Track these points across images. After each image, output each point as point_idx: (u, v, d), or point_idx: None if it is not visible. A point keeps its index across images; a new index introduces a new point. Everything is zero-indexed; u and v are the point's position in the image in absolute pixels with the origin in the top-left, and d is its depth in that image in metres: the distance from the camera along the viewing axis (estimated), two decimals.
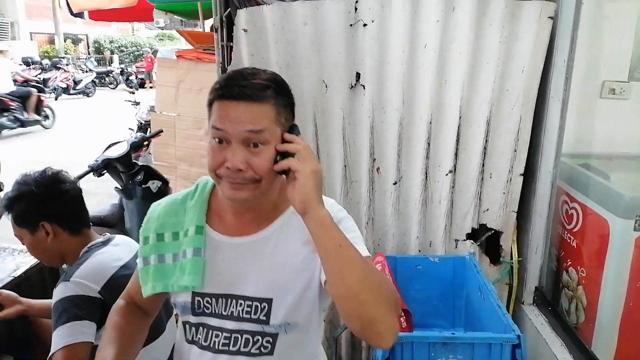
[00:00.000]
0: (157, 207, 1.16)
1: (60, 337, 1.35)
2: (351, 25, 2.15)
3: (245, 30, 2.19)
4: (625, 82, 2.28)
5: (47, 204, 1.51)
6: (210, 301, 1.06)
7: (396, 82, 2.20)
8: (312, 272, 1.03)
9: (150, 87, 15.72)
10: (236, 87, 0.93)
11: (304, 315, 1.06)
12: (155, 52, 19.58)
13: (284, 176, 0.97)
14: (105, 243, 1.62)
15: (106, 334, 1.12)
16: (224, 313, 1.06)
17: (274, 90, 0.96)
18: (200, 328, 1.08)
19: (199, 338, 1.09)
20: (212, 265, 1.06)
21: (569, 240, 2.26)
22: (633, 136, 2.26)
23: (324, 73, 2.23)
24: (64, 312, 1.37)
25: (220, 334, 1.06)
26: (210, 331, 1.07)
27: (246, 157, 0.94)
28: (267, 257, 1.05)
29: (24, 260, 2.05)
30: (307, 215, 0.92)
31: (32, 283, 2.03)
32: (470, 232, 2.32)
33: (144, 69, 18.62)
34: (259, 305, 1.04)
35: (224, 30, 2.28)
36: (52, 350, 1.34)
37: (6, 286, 1.85)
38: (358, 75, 2.23)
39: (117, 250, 1.61)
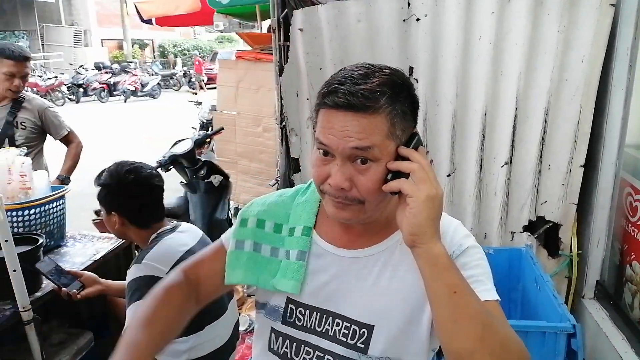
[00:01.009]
0: (265, 196, 1.07)
1: (133, 313, 1.49)
2: (404, 20, 2.19)
3: (301, 30, 2.30)
4: None
5: (118, 197, 1.66)
6: (304, 312, 0.95)
7: (450, 75, 2.23)
8: (424, 305, 0.87)
9: (201, 89, 16.19)
10: (343, 93, 0.78)
11: (409, 352, 0.90)
12: (215, 54, 20.39)
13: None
14: (173, 230, 1.76)
15: (144, 310, 0.97)
16: (317, 329, 0.93)
17: (389, 97, 0.79)
18: (288, 340, 0.96)
19: (285, 351, 0.97)
20: (312, 273, 0.95)
21: (632, 233, 2.18)
22: None
23: None
24: (137, 291, 1.51)
25: (311, 351, 0.94)
26: (302, 346, 0.95)
27: (351, 174, 0.82)
28: (373, 277, 0.91)
29: (102, 246, 2.25)
30: (417, 250, 0.79)
31: (109, 266, 2.23)
32: (527, 224, 2.30)
33: (204, 71, 19.36)
34: (357, 330, 0.90)
35: (281, 30, 2.39)
36: (127, 324, 1.50)
37: (86, 268, 2.04)
38: (411, 69, 2.28)
39: (184, 236, 1.75)
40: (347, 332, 0.91)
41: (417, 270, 0.83)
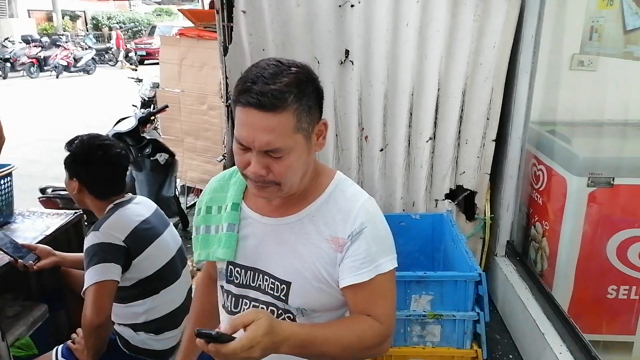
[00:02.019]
0: (211, 182, 1.23)
1: (91, 276, 1.61)
2: (340, 6, 2.38)
3: (244, 12, 2.42)
4: (593, 55, 2.51)
5: (82, 167, 1.74)
6: (240, 272, 1.12)
7: (381, 58, 2.44)
8: (330, 270, 1.05)
9: (112, 66, 15.37)
10: (255, 93, 0.89)
11: (321, 304, 1.08)
12: (153, 28, 19.60)
13: (314, 164, 1.05)
14: (128, 201, 1.87)
15: (192, 306, 1.35)
16: (251, 284, 1.11)
17: (295, 96, 0.91)
18: (229, 295, 1.15)
19: (229, 305, 1.15)
20: (243, 238, 1.11)
21: (536, 199, 2.53)
22: (595, 104, 2.51)
23: (315, 50, 2.46)
24: (94, 256, 1.63)
25: (248, 302, 1.11)
26: (240, 299, 1.13)
27: (267, 163, 0.94)
28: (290, 243, 1.07)
29: (52, 222, 2.31)
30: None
31: (60, 242, 2.30)
32: (448, 192, 2.60)
33: (142, 46, 18.63)
34: (279, 285, 1.07)
35: (225, 11, 2.50)
36: (85, 286, 1.61)
37: (39, 242, 2.11)
38: (347, 52, 2.47)
39: (139, 207, 1.87)
40: (273, 286, 1.08)
41: (325, 240, 1.04)
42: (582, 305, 2.23)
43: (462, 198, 2.62)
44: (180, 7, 5.82)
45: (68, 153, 1.76)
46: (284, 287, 1.07)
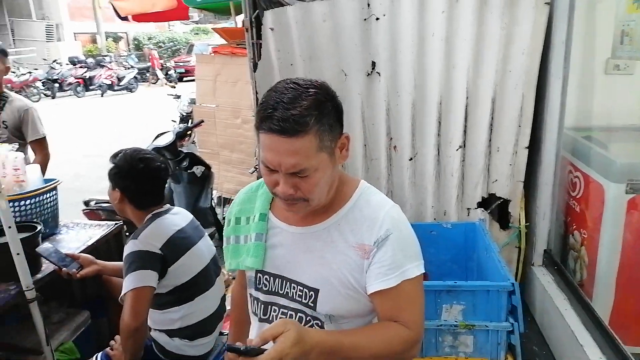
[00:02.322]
0: (240, 194, 1.27)
1: (130, 282, 1.69)
2: (365, 19, 2.41)
3: (272, 29, 2.50)
4: (625, 59, 2.43)
5: (125, 179, 1.84)
6: (269, 279, 1.15)
7: (408, 68, 2.46)
8: (357, 277, 1.07)
9: (152, 84, 16.32)
10: (277, 120, 0.93)
11: (349, 311, 1.10)
12: (191, 47, 20.26)
13: (339, 175, 1.10)
14: (166, 212, 1.95)
15: (231, 314, 1.42)
16: (280, 292, 1.14)
17: (315, 118, 0.95)
18: (258, 302, 1.19)
19: (258, 312, 1.19)
20: (272, 247, 1.15)
21: (573, 206, 2.46)
22: (633, 109, 2.43)
23: (342, 63, 2.50)
24: (133, 263, 1.72)
25: (277, 309, 1.15)
26: (269, 306, 1.17)
27: (295, 183, 0.99)
28: (317, 251, 1.10)
29: (94, 233, 2.43)
30: None
31: (101, 251, 2.41)
32: (480, 200, 2.57)
33: (181, 63, 19.25)
34: (307, 292, 1.10)
35: (254, 29, 2.59)
36: (123, 291, 1.69)
37: (82, 252, 2.22)
38: (374, 64, 2.50)
39: (176, 217, 1.95)
40: (301, 293, 1.11)
41: (351, 247, 1.07)
42: (625, 316, 2.14)
43: (496, 206, 2.58)
44: (214, 26, 6.02)
45: (112, 165, 1.87)
46: (312, 294, 1.10)
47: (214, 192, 4.32)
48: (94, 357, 1.89)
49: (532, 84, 2.38)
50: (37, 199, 2.29)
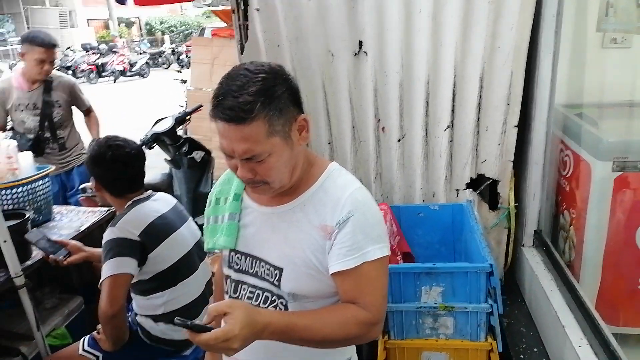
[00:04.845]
0: (222, 175, 1.29)
1: (107, 269, 1.73)
2: None
3: (257, 10, 2.47)
4: (627, 32, 2.34)
5: (96, 168, 1.87)
6: (240, 258, 1.19)
7: (395, 47, 2.41)
8: (320, 257, 1.09)
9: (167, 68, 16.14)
10: (224, 108, 0.96)
11: (313, 291, 1.12)
12: (202, 31, 20.17)
13: (307, 156, 1.12)
14: (147, 198, 1.97)
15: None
16: (249, 270, 1.17)
17: (262, 104, 0.96)
18: (230, 280, 1.22)
19: (230, 290, 1.22)
20: (244, 227, 1.18)
21: (564, 186, 2.42)
22: (628, 84, 2.35)
23: (329, 43, 2.47)
24: (110, 250, 1.75)
25: (246, 287, 1.18)
26: (239, 285, 1.20)
27: (251, 167, 1.02)
28: (283, 230, 1.12)
29: (87, 219, 2.48)
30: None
31: (94, 237, 2.46)
32: (469, 181, 2.53)
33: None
34: (273, 270, 1.13)
35: (240, 10, 2.56)
36: (101, 279, 1.73)
37: (73, 239, 2.26)
38: (360, 43, 2.46)
39: (156, 204, 1.97)
40: (268, 272, 1.14)
41: (314, 228, 1.08)
42: (611, 297, 2.11)
43: (484, 187, 2.54)
44: (214, 9, 5.97)
45: (87, 158, 1.89)
46: (277, 273, 1.13)
47: (215, 177, 4.34)
48: (81, 340, 1.94)
49: (522, 60, 2.32)
50: (30, 187, 2.34)
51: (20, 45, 3.13)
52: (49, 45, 3.01)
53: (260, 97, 0.96)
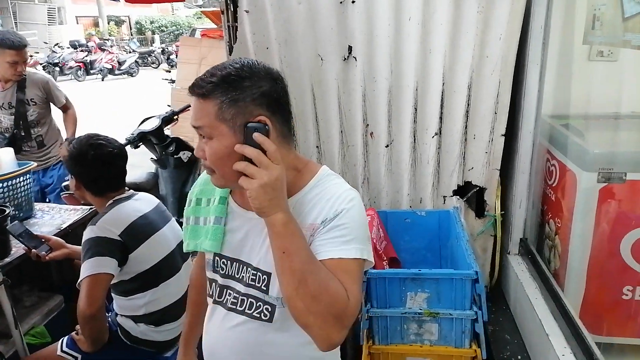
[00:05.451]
0: (203, 175, 1.27)
1: (86, 269, 1.69)
2: (341, 2, 2.37)
3: (247, 12, 2.46)
4: (612, 45, 2.38)
5: (77, 166, 1.82)
6: (226, 263, 1.17)
7: (384, 53, 2.42)
8: None
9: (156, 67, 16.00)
10: (193, 85, 1.02)
11: None
12: (193, 31, 20.12)
13: (295, 162, 1.10)
14: (128, 198, 1.94)
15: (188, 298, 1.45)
16: (236, 276, 1.15)
17: (221, 88, 0.99)
18: (215, 284, 1.20)
19: (214, 294, 1.20)
20: (230, 232, 1.16)
21: (549, 195, 2.44)
22: (614, 96, 2.38)
23: (318, 47, 2.47)
24: (90, 249, 1.71)
25: (231, 293, 1.16)
26: (224, 290, 1.18)
27: (202, 147, 1.03)
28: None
29: (69, 217, 2.43)
30: (263, 219, 0.99)
31: (76, 234, 2.42)
32: (456, 188, 2.54)
33: None
34: (260, 276, 1.11)
35: (229, 12, 2.55)
36: (80, 278, 1.69)
37: (55, 236, 2.22)
38: (350, 48, 2.46)
39: (138, 203, 1.93)
40: (254, 277, 1.12)
41: (303, 229, 1.03)
42: (596, 306, 2.13)
43: (471, 194, 2.55)
44: (205, 9, 5.95)
45: (65, 156, 1.85)
46: (264, 278, 1.11)
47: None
48: (60, 340, 1.90)
49: (509, 70, 2.34)
50: (11, 182, 2.30)
51: None
52: (20, 47, 2.96)
53: (223, 82, 0.99)
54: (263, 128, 0.98)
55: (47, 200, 3.25)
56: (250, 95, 1.00)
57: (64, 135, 3.43)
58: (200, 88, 1.00)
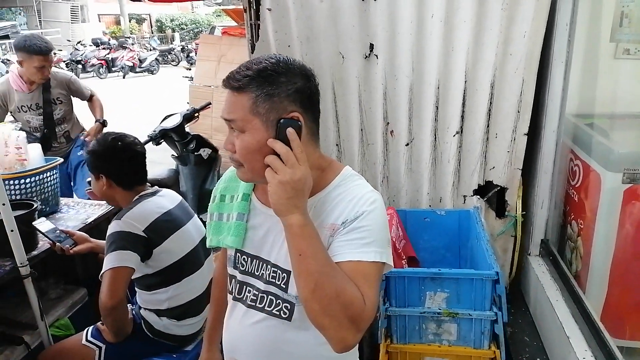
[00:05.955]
0: (228, 172, 1.28)
1: (109, 261, 1.73)
2: (363, 0, 2.36)
3: (269, 10, 2.47)
4: (623, 42, 2.31)
5: (106, 162, 1.87)
6: (246, 260, 1.17)
7: (406, 51, 2.41)
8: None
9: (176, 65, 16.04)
10: (228, 78, 1.02)
11: None
12: (213, 29, 20.28)
13: (318, 161, 1.09)
14: (153, 194, 1.98)
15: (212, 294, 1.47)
16: (256, 273, 1.16)
17: (256, 82, 0.99)
18: (235, 280, 1.21)
19: (234, 290, 1.21)
20: (252, 228, 1.17)
21: (572, 195, 2.40)
22: (638, 95, 2.34)
23: (340, 45, 2.47)
24: (113, 243, 1.75)
25: (251, 290, 1.17)
26: (244, 286, 1.19)
27: (233, 140, 1.04)
28: None
29: (93, 212, 2.48)
30: (280, 219, 0.99)
31: (100, 229, 2.47)
32: (477, 188, 2.52)
33: None
34: (280, 273, 1.11)
35: (252, 10, 2.56)
36: (102, 270, 1.73)
37: (79, 231, 2.27)
38: (371, 46, 2.46)
39: (162, 200, 1.97)
40: (274, 275, 1.12)
41: (323, 228, 1.04)
42: (618, 309, 2.09)
43: (492, 194, 2.53)
44: (225, 7, 5.99)
45: (90, 156, 1.89)
46: (284, 276, 1.11)
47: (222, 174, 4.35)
48: (85, 330, 1.95)
49: (534, 68, 2.31)
50: (38, 177, 2.35)
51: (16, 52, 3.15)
52: (47, 52, 3.06)
53: (259, 77, 0.99)
54: (296, 124, 0.99)
55: (74, 179, 3.41)
56: (285, 91, 1.00)
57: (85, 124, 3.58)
58: (236, 81, 1.00)
